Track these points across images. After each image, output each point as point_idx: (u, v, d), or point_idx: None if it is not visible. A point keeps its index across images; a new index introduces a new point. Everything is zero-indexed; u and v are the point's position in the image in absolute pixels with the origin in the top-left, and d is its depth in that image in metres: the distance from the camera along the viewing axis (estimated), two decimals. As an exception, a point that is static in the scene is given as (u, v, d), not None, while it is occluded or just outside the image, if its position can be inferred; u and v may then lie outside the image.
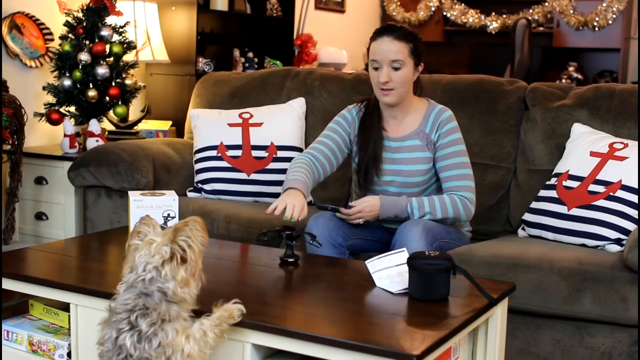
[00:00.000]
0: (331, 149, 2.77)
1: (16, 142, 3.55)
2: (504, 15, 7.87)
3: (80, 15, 3.96)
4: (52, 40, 4.14)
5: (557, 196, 2.80)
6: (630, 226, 2.62)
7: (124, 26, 4.08)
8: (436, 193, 2.73)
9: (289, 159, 3.33)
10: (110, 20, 4.04)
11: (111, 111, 4.06)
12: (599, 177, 2.74)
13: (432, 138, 2.71)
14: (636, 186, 2.66)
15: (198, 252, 1.69)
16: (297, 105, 3.52)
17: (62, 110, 3.96)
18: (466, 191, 2.65)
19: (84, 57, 3.87)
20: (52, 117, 3.90)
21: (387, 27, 2.66)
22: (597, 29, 7.41)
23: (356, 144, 2.79)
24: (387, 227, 2.79)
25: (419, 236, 2.48)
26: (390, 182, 2.73)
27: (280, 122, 3.44)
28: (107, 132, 4.07)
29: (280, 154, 3.36)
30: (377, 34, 2.66)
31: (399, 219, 2.62)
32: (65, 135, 3.86)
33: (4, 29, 3.93)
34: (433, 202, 2.61)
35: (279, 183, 3.32)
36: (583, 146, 2.88)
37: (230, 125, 3.43)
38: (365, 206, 2.58)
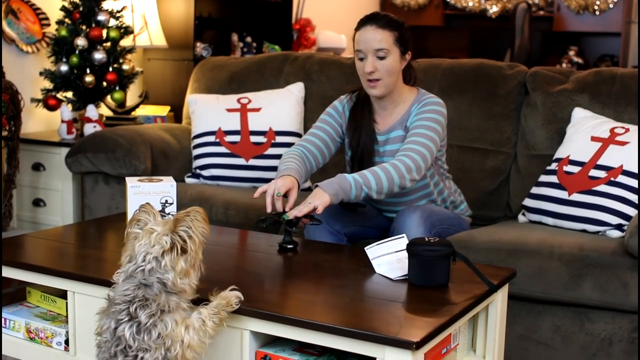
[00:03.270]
0: (323, 140, 2.73)
1: (13, 128, 3.53)
2: (504, -1, 7.84)
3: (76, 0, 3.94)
4: (49, 25, 4.12)
5: (557, 181, 2.78)
6: (632, 211, 2.61)
7: (121, 11, 4.05)
8: (433, 184, 2.70)
9: (287, 145, 3.31)
10: (107, 4, 4.01)
11: (109, 97, 4.04)
12: (600, 162, 2.72)
13: (408, 124, 2.62)
14: (637, 171, 2.65)
15: (198, 243, 1.68)
16: (296, 90, 3.50)
17: (59, 96, 3.94)
18: (412, 153, 2.49)
19: (81, 42, 3.85)
20: (49, 102, 3.88)
21: (371, 16, 2.58)
22: (597, 12, 7.37)
23: (347, 137, 2.75)
24: (385, 214, 2.78)
25: (417, 222, 2.46)
26: None
27: (279, 107, 3.42)
28: (104, 118, 4.05)
29: (279, 139, 3.34)
30: (361, 24, 2.58)
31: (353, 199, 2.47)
32: (62, 121, 3.84)
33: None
34: (377, 174, 2.45)
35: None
36: (584, 131, 2.86)
37: (229, 110, 3.41)
38: (308, 199, 2.37)
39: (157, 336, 1.62)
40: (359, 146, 2.69)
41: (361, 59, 2.57)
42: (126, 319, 1.63)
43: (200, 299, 1.74)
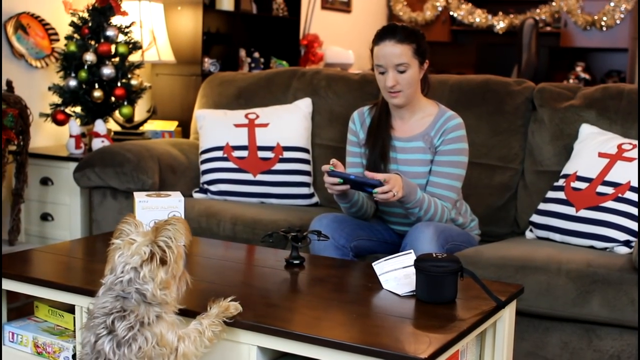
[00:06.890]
0: (362, 165, 2.80)
1: (22, 143, 3.54)
2: (511, 15, 7.85)
3: (85, 15, 3.96)
4: (58, 40, 4.14)
5: (565, 197, 2.78)
6: (639, 228, 2.60)
7: (130, 26, 4.07)
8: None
9: (295, 160, 3.32)
10: (116, 20, 4.03)
11: (117, 111, 4.06)
12: (608, 178, 2.72)
13: (435, 142, 2.68)
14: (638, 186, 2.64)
15: (178, 254, 1.66)
16: (304, 106, 3.51)
17: (67, 110, 3.96)
18: (446, 202, 2.64)
19: (90, 57, 3.87)
20: (58, 117, 3.90)
21: (388, 30, 2.61)
22: (604, 28, 7.38)
23: (364, 146, 2.78)
24: (394, 228, 2.78)
25: (431, 238, 2.46)
26: None
27: (287, 122, 3.43)
28: (112, 133, 4.07)
29: (287, 154, 3.35)
30: (379, 38, 2.61)
31: (405, 207, 2.57)
32: (70, 136, 3.85)
33: (10, 30, 3.93)
34: (435, 204, 2.60)
35: (285, 184, 3.31)
36: (591, 147, 2.85)
37: (236, 125, 3.42)
38: (395, 180, 2.44)
39: (138, 349, 1.60)
40: (375, 150, 2.72)
41: (382, 73, 2.62)
42: (105, 332, 1.60)
43: (198, 312, 1.74)
